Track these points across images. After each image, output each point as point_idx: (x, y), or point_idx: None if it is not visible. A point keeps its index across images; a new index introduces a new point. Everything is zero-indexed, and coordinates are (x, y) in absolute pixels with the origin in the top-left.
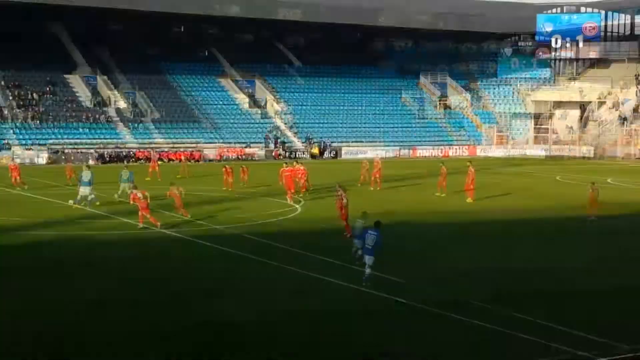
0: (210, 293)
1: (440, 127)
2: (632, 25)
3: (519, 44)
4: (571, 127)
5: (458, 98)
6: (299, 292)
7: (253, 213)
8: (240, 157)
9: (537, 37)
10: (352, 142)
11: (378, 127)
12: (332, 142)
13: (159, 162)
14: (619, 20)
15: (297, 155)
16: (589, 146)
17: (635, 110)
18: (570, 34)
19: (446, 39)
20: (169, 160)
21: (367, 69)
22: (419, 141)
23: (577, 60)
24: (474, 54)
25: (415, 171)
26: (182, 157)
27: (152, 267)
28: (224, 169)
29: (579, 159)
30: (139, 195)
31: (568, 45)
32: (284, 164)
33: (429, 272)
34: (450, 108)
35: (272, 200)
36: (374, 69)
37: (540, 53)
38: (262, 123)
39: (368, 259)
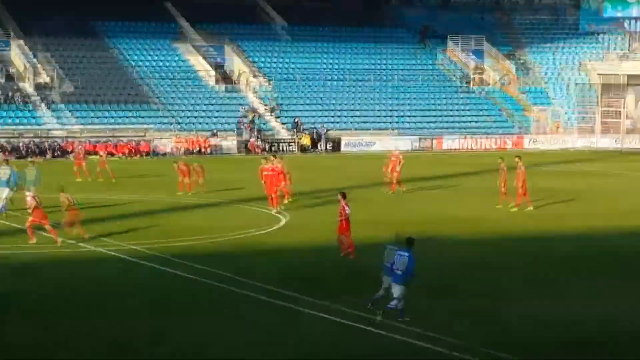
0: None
1: (475, 110)
2: None
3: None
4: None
5: (499, 70)
6: None
7: (217, 227)
8: (203, 150)
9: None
10: (356, 129)
11: (390, 111)
12: (328, 130)
13: (97, 157)
14: None
15: (281, 148)
16: None
17: None
18: None
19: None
20: (109, 154)
21: (376, 32)
22: (447, 129)
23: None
24: (521, 7)
25: (447, 169)
26: (101, 152)
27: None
28: (176, 167)
29: None
30: (65, 200)
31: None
32: (263, 160)
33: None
34: (488, 84)
35: (246, 208)
36: (385, 32)
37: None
38: (233, 104)
39: (397, 289)
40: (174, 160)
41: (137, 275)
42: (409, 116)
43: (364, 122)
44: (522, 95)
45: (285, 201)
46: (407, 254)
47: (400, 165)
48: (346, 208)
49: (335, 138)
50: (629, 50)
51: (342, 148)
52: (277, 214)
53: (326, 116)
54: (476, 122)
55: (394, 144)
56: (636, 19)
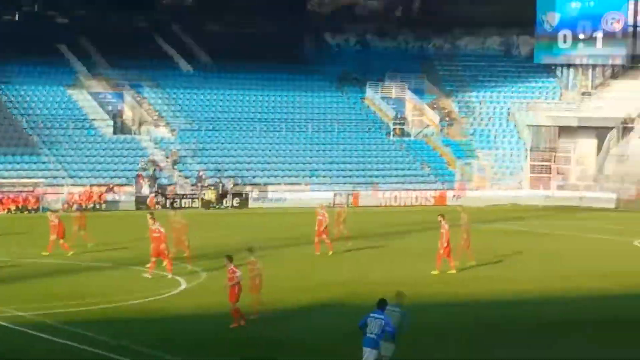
0: None
1: (395, 162)
2: None
3: (511, 42)
4: (586, 164)
5: (422, 120)
6: None
7: (104, 292)
8: (98, 205)
9: (536, 32)
10: (266, 184)
11: (304, 164)
12: (236, 184)
13: None
14: None
15: (182, 204)
16: (609, 191)
17: None
18: (586, 28)
19: (406, 34)
20: None
21: (292, 77)
22: (369, 183)
23: (594, 66)
24: (446, 56)
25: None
26: None
27: None
28: (54, 219)
29: (594, 210)
30: None
31: (582, 44)
32: (149, 217)
33: None
34: (409, 136)
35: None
36: (302, 77)
37: (542, 57)
38: (131, 155)
39: (385, 349)
40: (54, 211)
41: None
42: (323, 170)
43: (275, 176)
44: (445, 148)
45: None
46: (398, 310)
47: (342, 220)
48: (236, 272)
49: (243, 193)
50: (560, 99)
51: (251, 204)
52: (175, 277)
53: (233, 169)
54: (397, 175)
55: (309, 198)
56: (568, 65)
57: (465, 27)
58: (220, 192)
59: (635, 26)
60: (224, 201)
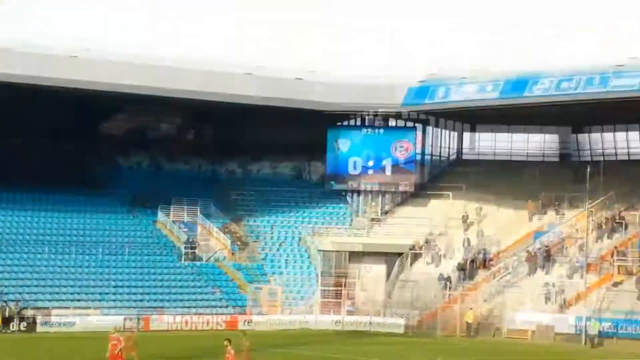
0: None
1: (187, 286)
2: (460, 148)
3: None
4: (375, 289)
5: (213, 244)
6: None
7: None
8: None
9: (327, 158)
10: (54, 307)
11: (94, 287)
12: (23, 308)
13: None
14: (440, 140)
15: None
16: (397, 317)
17: (460, 268)
18: (374, 156)
19: (198, 158)
20: None
21: (82, 197)
22: (160, 307)
23: (383, 193)
24: (237, 180)
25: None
26: None
27: None
28: None
29: (383, 335)
30: None
31: (371, 171)
32: None
33: None
34: (201, 259)
35: None
36: (93, 198)
37: (332, 182)
38: None
39: None
40: None
41: None
42: (114, 293)
43: (64, 300)
44: (236, 272)
45: None
46: None
47: (120, 346)
48: None
49: (31, 316)
50: (350, 224)
51: (39, 328)
52: None
53: (20, 292)
54: (189, 299)
55: (99, 322)
56: (358, 192)
57: (256, 152)
58: (5, 315)
59: (422, 154)
60: (11, 325)
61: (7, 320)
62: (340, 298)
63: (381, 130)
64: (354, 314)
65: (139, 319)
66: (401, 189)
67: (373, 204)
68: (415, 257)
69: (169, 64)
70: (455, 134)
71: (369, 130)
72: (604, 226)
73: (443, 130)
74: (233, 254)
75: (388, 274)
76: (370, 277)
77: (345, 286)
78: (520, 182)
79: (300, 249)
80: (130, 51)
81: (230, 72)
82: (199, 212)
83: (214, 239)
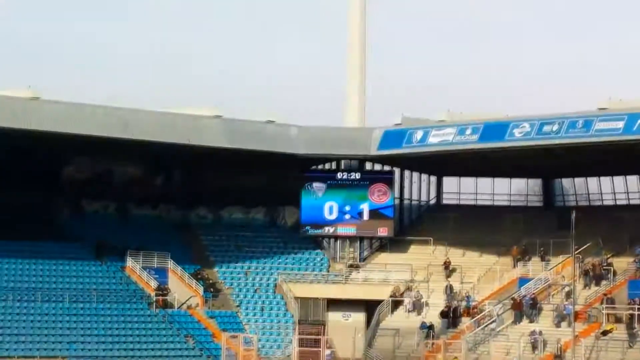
0: None
1: (158, 335)
2: (439, 192)
3: (276, 212)
4: (354, 337)
5: (185, 291)
6: None
7: None
8: None
9: (302, 203)
10: (24, 354)
11: (61, 335)
12: None
13: None
14: (419, 184)
15: None
16: None
17: (443, 315)
18: (351, 201)
19: (167, 202)
20: None
21: (44, 246)
22: (122, 357)
23: (361, 238)
24: (209, 225)
25: None
26: None
27: None
28: None
29: None
30: None
31: (348, 216)
32: None
33: None
34: (173, 307)
35: None
36: (55, 246)
37: (308, 227)
38: None
39: None
40: None
41: None
42: (82, 342)
43: (30, 349)
44: (210, 321)
45: None
46: None
47: None
48: None
49: None
50: (327, 271)
51: None
52: None
53: None
54: (163, 347)
55: None
56: (335, 237)
57: (229, 196)
58: None
59: (401, 199)
60: None
61: None
62: (319, 346)
63: (358, 175)
64: None
65: None
66: (380, 234)
67: (351, 249)
68: (396, 304)
69: (134, 107)
70: (435, 178)
71: (345, 174)
72: (591, 273)
73: (422, 175)
74: (206, 301)
75: (368, 322)
76: (350, 324)
77: (323, 334)
78: (503, 227)
79: (277, 296)
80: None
81: (198, 114)
82: (169, 258)
83: (185, 286)
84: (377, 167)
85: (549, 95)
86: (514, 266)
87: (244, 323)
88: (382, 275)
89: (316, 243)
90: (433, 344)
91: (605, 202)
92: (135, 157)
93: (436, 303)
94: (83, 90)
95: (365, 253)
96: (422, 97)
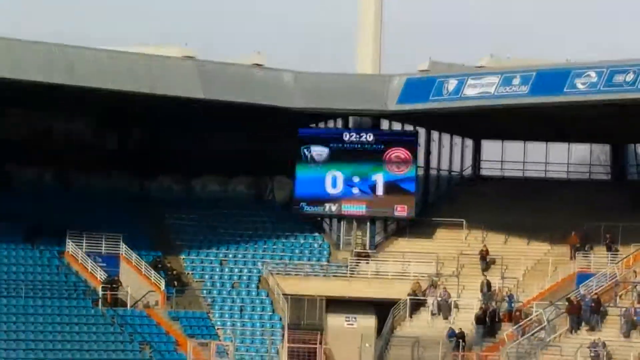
0: None
1: (105, 340)
2: (476, 161)
3: (263, 184)
4: (361, 348)
5: (142, 284)
6: None
7: None
8: None
9: (297, 173)
10: None
11: None
12: None
13: None
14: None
15: None
16: None
17: (478, 321)
18: (361, 170)
19: (121, 171)
20: None
21: None
22: None
23: (373, 220)
24: (175, 201)
25: None
26: None
27: None
28: None
29: None
30: None
31: (356, 190)
32: None
33: None
34: (125, 305)
35: None
36: None
37: (303, 204)
38: None
39: None
40: None
41: None
42: (5, 348)
43: None
44: (172, 323)
45: None
46: None
47: None
48: None
49: None
50: (328, 261)
51: None
52: None
53: None
54: (112, 357)
55: None
56: (339, 218)
57: (201, 163)
58: None
59: (427, 169)
60: None
61: None
62: (314, 359)
63: (370, 136)
64: None
65: None
66: (397, 214)
67: (359, 234)
68: (417, 306)
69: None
70: (471, 142)
71: (354, 135)
72: None
73: (454, 137)
74: (168, 298)
75: (379, 329)
76: (356, 331)
77: (321, 343)
78: (558, 207)
79: (260, 293)
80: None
81: (163, 55)
82: (122, 241)
83: (142, 278)
84: (396, 126)
85: (621, 38)
86: (572, 258)
87: (217, 327)
88: (398, 267)
89: (314, 225)
90: (464, 357)
91: None
92: (80, 110)
93: (469, 305)
94: (20, 24)
95: (378, 239)
96: (456, 38)
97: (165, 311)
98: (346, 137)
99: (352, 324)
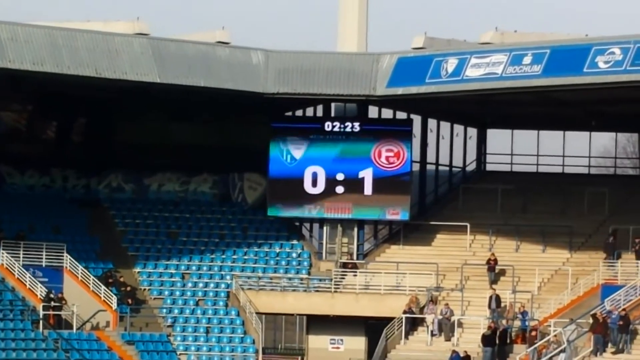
0: None
1: None
2: (481, 153)
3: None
4: None
5: (91, 303)
6: None
7: None
8: None
9: (270, 169)
10: None
11: None
12: None
13: None
14: (451, 141)
15: None
16: None
17: (486, 341)
18: (346, 166)
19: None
20: None
21: None
22: None
23: (360, 223)
24: (127, 203)
25: None
26: None
27: None
28: None
29: None
30: None
31: (341, 189)
32: None
33: None
34: (70, 327)
35: None
36: None
37: (278, 206)
38: None
39: None
40: None
41: None
42: None
43: None
44: (129, 348)
45: None
46: None
47: None
48: None
49: None
50: (308, 273)
51: None
52: None
53: None
54: None
55: None
56: (321, 222)
57: (158, 158)
58: None
59: (423, 164)
60: None
61: None
62: None
63: (357, 126)
64: None
65: None
66: (390, 217)
67: (345, 241)
68: (414, 325)
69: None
70: (475, 131)
71: (338, 124)
72: None
73: (456, 126)
74: (121, 318)
75: (370, 352)
76: (342, 355)
77: None
78: (578, 208)
79: (230, 312)
80: None
81: (112, 32)
82: (65, 252)
83: (90, 295)
84: (387, 114)
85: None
86: (610, 256)
87: (179, 352)
88: (392, 280)
89: (291, 230)
90: None
91: None
92: (15, 97)
93: (475, 323)
94: None
95: (367, 246)
96: (455, 10)
97: (118, 334)
98: (328, 127)
99: (337, 347)
